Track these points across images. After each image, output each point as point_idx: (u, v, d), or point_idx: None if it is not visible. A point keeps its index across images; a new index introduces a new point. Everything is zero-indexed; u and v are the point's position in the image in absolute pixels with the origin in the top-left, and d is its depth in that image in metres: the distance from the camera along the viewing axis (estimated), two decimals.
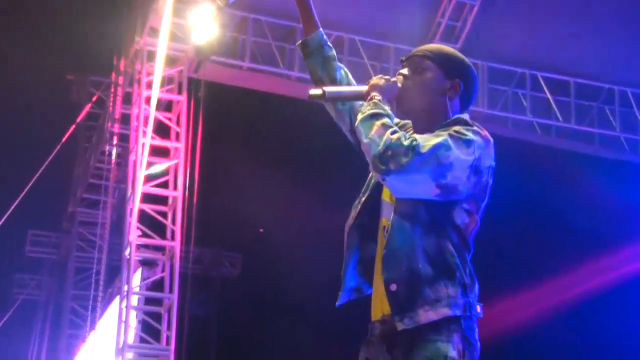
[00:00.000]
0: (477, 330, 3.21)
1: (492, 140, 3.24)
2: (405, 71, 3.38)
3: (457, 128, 3.18)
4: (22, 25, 12.61)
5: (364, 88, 3.31)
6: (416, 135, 3.14)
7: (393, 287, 3.17)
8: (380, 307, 3.27)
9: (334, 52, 3.62)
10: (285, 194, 13.26)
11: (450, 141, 3.11)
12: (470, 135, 3.17)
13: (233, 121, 12.67)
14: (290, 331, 13.63)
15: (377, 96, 3.24)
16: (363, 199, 3.40)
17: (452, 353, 3.09)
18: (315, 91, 3.33)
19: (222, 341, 14.78)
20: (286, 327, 13.88)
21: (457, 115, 3.32)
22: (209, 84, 11.80)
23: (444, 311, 3.12)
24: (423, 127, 3.27)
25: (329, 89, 3.37)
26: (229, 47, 11.79)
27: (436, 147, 3.08)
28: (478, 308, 3.19)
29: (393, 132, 3.10)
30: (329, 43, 3.64)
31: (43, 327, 16.53)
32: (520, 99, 12.89)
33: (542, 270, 13.42)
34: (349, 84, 3.59)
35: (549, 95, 12.90)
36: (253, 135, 13.43)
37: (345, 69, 3.64)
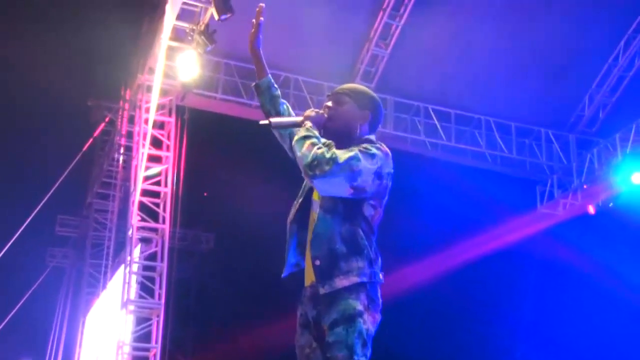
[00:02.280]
0: (379, 291, 3.26)
1: (390, 153, 3.30)
2: (330, 104, 3.40)
3: (364, 145, 3.24)
4: (57, 64, 12.34)
5: (299, 118, 3.34)
6: (335, 150, 3.16)
7: (317, 262, 3.21)
8: (309, 276, 3.29)
9: (279, 92, 3.65)
10: (251, 189, 13.04)
11: (360, 155, 3.17)
12: (374, 151, 3.23)
13: (209, 136, 12.45)
14: (249, 290, 13.40)
15: (308, 124, 3.28)
16: (300, 200, 3.42)
17: (359, 307, 3.13)
18: (264, 121, 3.39)
19: (199, 297, 14.55)
20: (247, 287, 13.66)
21: (365, 136, 3.36)
22: (192, 110, 11.72)
23: (354, 279, 3.16)
24: (342, 145, 3.25)
25: (275, 120, 3.40)
26: (207, 82, 11.67)
27: (350, 159, 3.14)
28: (380, 276, 3.24)
29: (319, 148, 3.15)
30: (275, 85, 3.66)
31: (68, 287, 16.20)
32: (416, 124, 12.82)
33: (428, 247, 13.32)
34: (289, 115, 3.60)
35: (436, 122, 12.84)
36: (224, 146, 13.23)
37: (287, 104, 3.67)
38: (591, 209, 13.00)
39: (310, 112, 3.36)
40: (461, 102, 12.89)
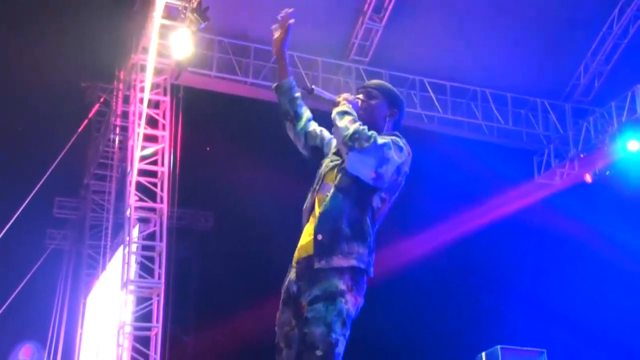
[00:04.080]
0: (366, 283, 3.27)
1: (411, 153, 3.40)
2: (361, 96, 3.49)
3: (395, 137, 3.34)
4: (50, 45, 12.29)
5: (338, 98, 3.45)
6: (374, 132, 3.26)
7: (319, 237, 3.23)
8: (299, 253, 3.31)
9: (299, 94, 3.67)
10: (248, 166, 13.06)
11: (391, 144, 3.27)
12: (402, 145, 3.33)
13: (205, 115, 12.45)
14: (249, 268, 13.47)
15: (347, 104, 3.38)
16: (317, 187, 3.43)
17: (342, 286, 3.14)
18: (308, 85, 3.49)
19: (199, 277, 14.63)
20: (247, 265, 13.73)
21: (392, 132, 3.45)
22: (186, 88, 11.68)
23: (352, 262, 3.19)
24: None
25: (317, 89, 3.49)
26: (201, 60, 11.64)
27: (385, 144, 3.23)
28: (371, 270, 3.27)
29: (361, 125, 3.24)
30: (296, 87, 3.69)
31: (67, 269, 16.22)
32: (412, 97, 12.82)
33: (426, 220, 13.37)
34: (308, 117, 3.66)
35: (432, 94, 12.84)
36: (220, 124, 13.23)
37: (305, 107, 3.70)
38: (588, 178, 13.07)
39: (348, 95, 3.47)
40: (456, 74, 12.89)
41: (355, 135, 3.19)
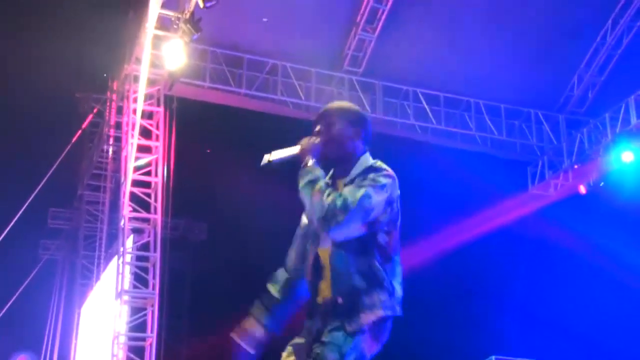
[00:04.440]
0: (390, 327, 3.11)
1: (394, 175, 3.16)
2: (319, 128, 3.24)
3: (372, 176, 3.09)
4: (45, 56, 12.29)
5: (297, 149, 3.18)
6: (345, 190, 3.04)
7: (340, 300, 3.07)
8: (324, 292, 3.15)
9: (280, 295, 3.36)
10: (242, 178, 13.02)
11: (370, 190, 3.03)
12: (383, 180, 3.08)
13: (198, 125, 12.45)
14: (243, 280, 13.42)
15: (309, 160, 3.13)
16: (315, 241, 3.19)
17: (365, 327, 3.01)
18: (264, 161, 3.22)
19: (192, 287, 14.59)
20: (241, 276, 13.68)
21: (369, 163, 3.18)
22: (180, 99, 11.68)
23: (379, 312, 3.04)
24: (344, 167, 3.20)
25: (274, 157, 3.21)
26: (194, 71, 11.65)
27: (362, 199, 3.00)
28: (398, 309, 3.10)
29: (328, 195, 3.00)
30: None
31: (62, 279, 16.19)
32: (405, 108, 12.84)
33: (419, 231, 13.35)
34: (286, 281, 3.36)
35: (425, 105, 12.86)
36: (213, 135, 13.22)
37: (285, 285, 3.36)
38: (582, 189, 13.07)
39: (305, 141, 3.22)
40: (450, 85, 12.92)
41: (328, 215, 2.98)
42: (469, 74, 12.90)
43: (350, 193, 3.02)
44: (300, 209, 3.27)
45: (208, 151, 13.80)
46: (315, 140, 3.21)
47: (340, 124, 3.24)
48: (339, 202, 2.98)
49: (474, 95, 13.08)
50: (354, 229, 3.01)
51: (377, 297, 3.04)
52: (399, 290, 3.11)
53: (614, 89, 12.89)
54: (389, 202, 3.08)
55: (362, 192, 3.02)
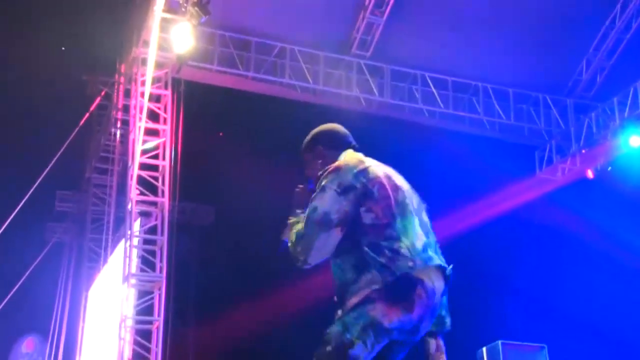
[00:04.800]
0: (421, 292, 3.02)
1: (343, 165, 3.16)
2: (305, 168, 3.41)
3: (322, 184, 3.13)
4: (54, 39, 12.28)
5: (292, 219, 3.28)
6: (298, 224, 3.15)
7: (335, 299, 3.14)
8: None
9: None
10: (250, 161, 13.02)
11: (315, 201, 3.08)
12: (324, 181, 3.11)
13: (206, 108, 12.42)
14: (249, 263, 13.45)
15: (292, 219, 3.26)
16: None
17: (373, 296, 3.01)
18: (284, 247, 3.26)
19: (199, 271, 14.58)
20: (247, 260, 13.71)
21: (329, 166, 3.22)
22: (187, 82, 11.65)
23: (365, 292, 3.01)
24: None
25: (286, 237, 3.27)
26: (202, 54, 11.62)
27: (308, 216, 3.06)
28: (410, 263, 3.01)
29: (292, 236, 3.13)
30: None
31: (69, 262, 16.22)
32: (414, 92, 12.80)
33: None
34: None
35: (433, 89, 12.81)
36: (221, 118, 13.19)
37: None
38: (590, 174, 13.05)
39: (298, 193, 3.38)
40: (458, 69, 12.87)
41: (292, 256, 3.10)
42: (477, 58, 12.85)
43: (305, 216, 3.12)
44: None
45: (220, 134, 13.78)
46: (300, 187, 3.39)
47: (316, 151, 3.37)
48: (293, 237, 3.11)
49: (482, 79, 13.04)
50: (322, 246, 3.04)
51: (364, 280, 3.01)
52: (406, 245, 3.04)
53: (622, 73, 12.82)
54: (345, 190, 3.06)
55: (310, 209, 3.08)
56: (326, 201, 3.04)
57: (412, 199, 3.31)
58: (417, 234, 3.17)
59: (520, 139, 13.59)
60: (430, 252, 3.16)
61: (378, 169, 3.21)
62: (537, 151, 13.83)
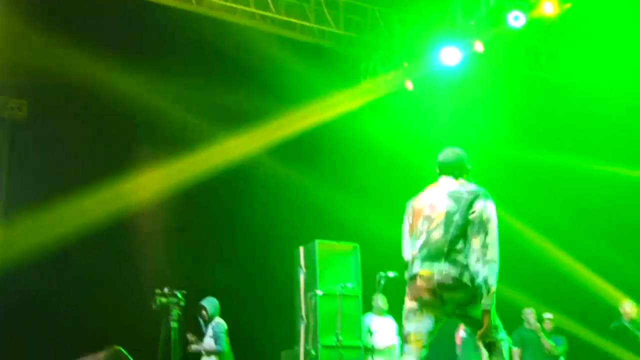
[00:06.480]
0: (412, 285, 4.96)
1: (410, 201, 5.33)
2: None
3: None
4: None
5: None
6: None
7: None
8: None
9: None
10: (64, 53, 12.11)
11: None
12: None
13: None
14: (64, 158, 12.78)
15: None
16: None
17: None
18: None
19: (10, 166, 13.53)
20: (62, 156, 13.00)
21: None
22: None
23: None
24: None
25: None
26: None
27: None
28: (406, 275, 5.09)
29: None
30: None
31: None
32: None
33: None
34: None
35: None
36: (39, 9, 12.12)
37: None
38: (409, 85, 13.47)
39: None
40: None
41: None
42: None
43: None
44: None
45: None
46: None
47: None
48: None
49: None
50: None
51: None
52: (408, 255, 5.05)
53: None
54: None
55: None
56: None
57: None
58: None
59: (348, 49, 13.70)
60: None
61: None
62: (363, 62, 13.99)
